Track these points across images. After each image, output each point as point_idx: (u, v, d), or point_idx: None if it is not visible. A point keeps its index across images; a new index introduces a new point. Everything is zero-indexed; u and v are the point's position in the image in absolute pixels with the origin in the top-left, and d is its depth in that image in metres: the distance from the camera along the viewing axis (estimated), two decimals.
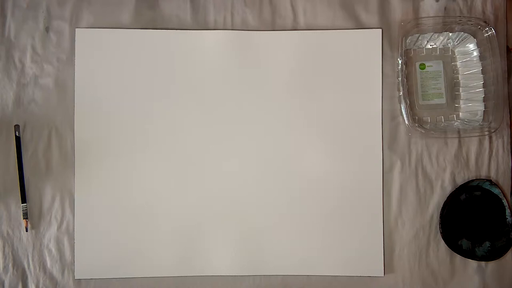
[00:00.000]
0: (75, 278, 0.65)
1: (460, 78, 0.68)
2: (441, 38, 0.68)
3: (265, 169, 0.67)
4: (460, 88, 0.68)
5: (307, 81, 0.67)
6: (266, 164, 0.67)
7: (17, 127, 0.66)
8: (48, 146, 0.66)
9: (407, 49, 0.68)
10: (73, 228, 0.66)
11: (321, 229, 0.66)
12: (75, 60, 0.67)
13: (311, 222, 0.66)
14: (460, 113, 0.68)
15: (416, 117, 0.68)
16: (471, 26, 0.65)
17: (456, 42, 0.68)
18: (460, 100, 0.68)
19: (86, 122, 0.66)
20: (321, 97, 0.67)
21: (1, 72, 0.66)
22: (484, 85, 0.66)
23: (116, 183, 0.66)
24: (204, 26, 0.68)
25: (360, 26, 0.68)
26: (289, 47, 0.67)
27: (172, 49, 0.67)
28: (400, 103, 0.66)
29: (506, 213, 0.66)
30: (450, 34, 0.67)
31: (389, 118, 0.67)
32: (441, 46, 0.69)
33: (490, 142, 0.67)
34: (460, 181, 0.67)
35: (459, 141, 0.67)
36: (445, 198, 0.66)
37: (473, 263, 0.66)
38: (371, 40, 0.67)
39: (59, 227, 0.66)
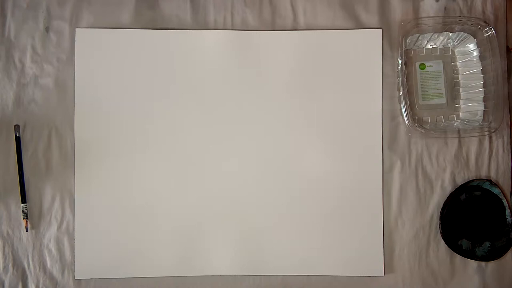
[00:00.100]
0: (75, 278, 0.65)
1: (460, 78, 0.68)
2: (441, 38, 0.68)
3: (265, 169, 0.67)
4: (460, 88, 0.68)
5: (307, 81, 0.67)
6: (266, 164, 0.67)
7: (17, 127, 0.66)
8: (48, 146, 0.66)
9: (407, 49, 0.68)
10: (73, 228, 0.66)
11: (321, 229, 0.66)
12: (75, 60, 0.67)
13: (311, 222, 0.66)
14: (460, 113, 0.68)
15: (416, 117, 0.68)
16: (471, 26, 0.65)
17: (456, 42, 0.68)
18: (460, 100, 0.68)
19: (86, 122, 0.66)
20: (321, 97, 0.67)
21: (1, 72, 0.66)
22: (484, 85, 0.66)
23: (116, 183, 0.66)
24: (204, 26, 0.68)
25: (360, 26, 0.68)
26: (289, 47, 0.67)
27: (172, 49, 0.67)
28: (400, 103, 0.66)
29: (506, 213, 0.66)
30: (450, 34, 0.67)
31: (389, 118, 0.67)
32: (441, 46, 0.69)
33: (490, 142, 0.67)
34: (460, 181, 0.67)
35: (459, 141, 0.67)
36: (445, 198, 0.66)
37: (473, 263, 0.66)
38: (371, 40, 0.67)
39: (59, 227, 0.66)
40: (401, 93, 0.64)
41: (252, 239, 0.66)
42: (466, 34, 0.67)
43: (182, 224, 0.66)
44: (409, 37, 0.66)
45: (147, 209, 0.66)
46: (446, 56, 0.69)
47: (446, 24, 0.65)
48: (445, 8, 0.68)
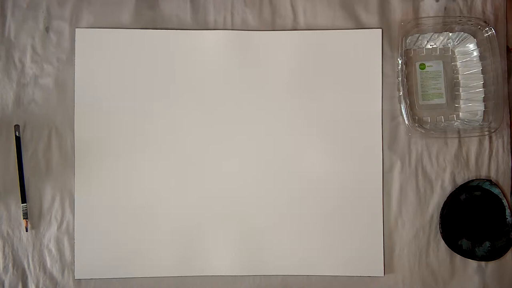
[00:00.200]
0: (75, 278, 0.65)
1: (460, 78, 0.68)
2: (441, 38, 0.68)
3: (265, 169, 0.67)
4: (460, 88, 0.68)
5: (307, 81, 0.67)
6: (266, 164, 0.67)
7: (17, 127, 0.66)
8: (48, 146, 0.66)
9: (407, 49, 0.68)
10: (73, 228, 0.66)
11: (321, 229, 0.66)
12: (75, 60, 0.67)
13: (311, 222, 0.66)
14: (460, 113, 0.68)
15: (416, 117, 0.68)
16: (471, 26, 0.65)
17: (456, 42, 0.68)
18: (460, 100, 0.68)
19: (86, 122, 0.66)
20: (321, 97, 0.67)
21: (1, 72, 0.66)
22: (484, 85, 0.66)
23: (116, 183, 0.66)
24: (204, 26, 0.68)
25: (360, 26, 0.68)
26: (289, 47, 0.67)
27: (172, 49, 0.67)
28: (400, 103, 0.66)
29: (506, 213, 0.66)
30: (450, 34, 0.67)
31: (389, 118, 0.67)
32: (441, 46, 0.69)
33: (490, 142, 0.67)
34: (460, 181, 0.67)
35: (459, 141, 0.67)
36: (445, 198, 0.66)
37: (473, 263, 0.66)
38: (371, 40, 0.67)
39: (59, 227, 0.66)
40: (401, 93, 0.64)
41: (252, 239, 0.66)
42: (466, 34, 0.67)
43: (182, 224, 0.66)
44: (409, 37, 0.66)
45: (147, 209, 0.66)
46: (446, 56, 0.69)
47: (446, 24, 0.65)
48: (445, 8, 0.68)
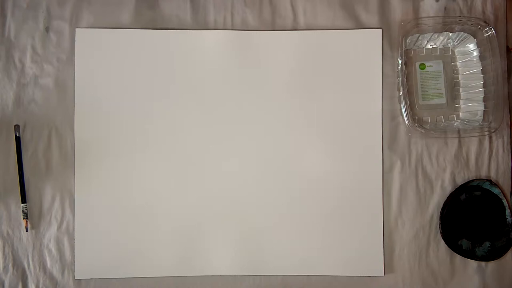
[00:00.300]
0: (75, 278, 0.65)
1: (460, 78, 0.68)
2: (441, 38, 0.68)
3: (265, 169, 0.67)
4: (460, 88, 0.68)
5: (307, 81, 0.67)
6: (266, 164, 0.67)
7: (17, 127, 0.66)
8: (48, 146, 0.66)
9: (407, 49, 0.68)
10: (73, 228, 0.66)
11: (321, 229, 0.66)
12: (75, 60, 0.67)
13: (311, 222, 0.66)
14: (460, 113, 0.68)
15: (416, 117, 0.68)
16: (471, 26, 0.65)
17: (456, 42, 0.68)
18: (460, 100, 0.68)
19: (86, 122, 0.66)
20: (321, 97, 0.67)
21: (1, 72, 0.66)
22: (484, 85, 0.66)
23: (116, 183, 0.66)
24: (204, 26, 0.68)
25: (360, 26, 0.68)
26: (289, 47, 0.67)
27: (172, 49, 0.67)
28: (400, 103, 0.66)
29: (506, 213, 0.66)
30: (450, 34, 0.67)
31: (389, 118, 0.67)
32: (441, 46, 0.69)
33: (490, 142, 0.67)
34: (460, 181, 0.67)
35: (459, 141, 0.67)
36: (445, 198, 0.66)
37: (473, 263, 0.66)
38: (371, 40, 0.67)
39: (59, 227, 0.66)
40: (401, 93, 0.64)
41: (252, 239, 0.66)
42: (466, 34, 0.67)
43: (182, 224, 0.66)
44: (409, 37, 0.66)
45: (147, 209, 0.66)
46: (446, 56, 0.69)
47: (446, 24, 0.65)
48: (445, 8, 0.68)
